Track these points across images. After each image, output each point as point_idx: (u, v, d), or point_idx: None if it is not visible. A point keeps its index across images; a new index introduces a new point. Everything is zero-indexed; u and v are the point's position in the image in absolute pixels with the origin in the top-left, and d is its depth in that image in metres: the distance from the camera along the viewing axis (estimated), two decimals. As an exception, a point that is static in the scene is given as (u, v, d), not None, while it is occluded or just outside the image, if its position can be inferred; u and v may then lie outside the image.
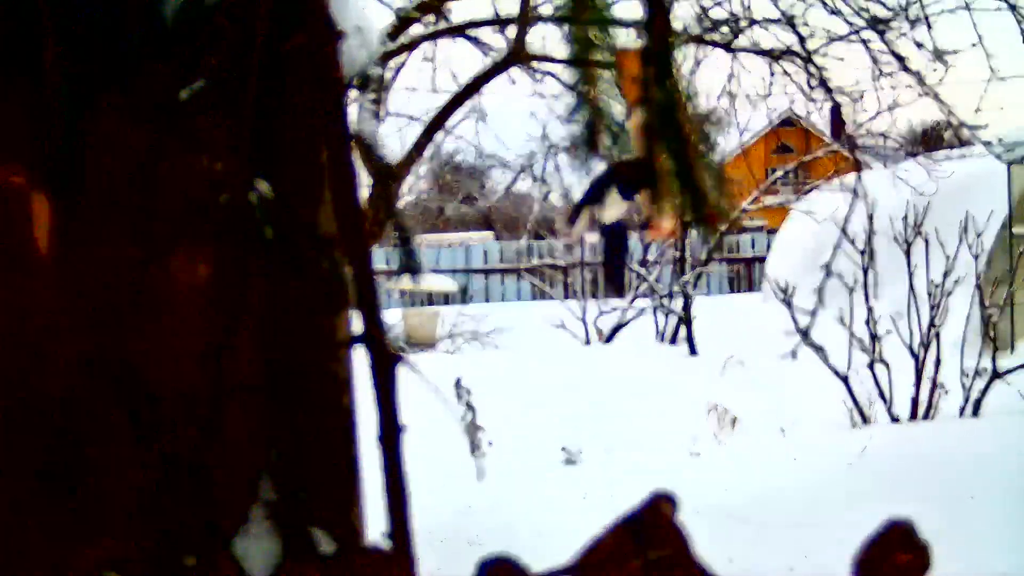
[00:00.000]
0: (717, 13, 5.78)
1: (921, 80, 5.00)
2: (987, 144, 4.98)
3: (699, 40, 5.93)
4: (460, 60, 5.86)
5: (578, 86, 1.05)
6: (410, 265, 1.41)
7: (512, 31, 4.98)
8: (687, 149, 1.05)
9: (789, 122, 18.51)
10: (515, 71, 5.58)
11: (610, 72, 1.04)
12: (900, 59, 5.20)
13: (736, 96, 7.59)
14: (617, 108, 1.08)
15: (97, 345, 1.24)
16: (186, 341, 1.26)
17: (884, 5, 5.31)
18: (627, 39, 1.11)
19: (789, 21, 5.18)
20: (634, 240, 15.29)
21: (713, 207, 1.08)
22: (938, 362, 6.65)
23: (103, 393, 1.24)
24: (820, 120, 11.80)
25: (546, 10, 5.52)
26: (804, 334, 4.09)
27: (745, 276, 23.60)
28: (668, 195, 1.06)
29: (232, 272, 1.24)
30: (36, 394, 1.24)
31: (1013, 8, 4.30)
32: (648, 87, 1.04)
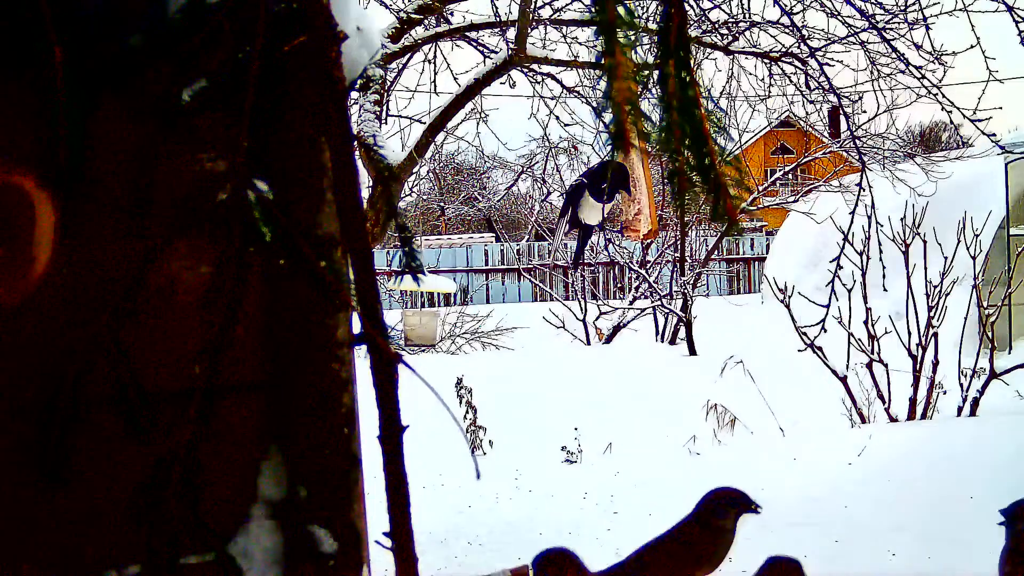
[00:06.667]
0: (716, 15, 5.80)
1: (923, 77, 5.00)
2: (991, 136, 4.95)
3: (698, 42, 5.94)
4: (461, 62, 5.88)
5: (605, 82, 1.05)
6: (411, 266, 1.42)
7: (512, 33, 4.99)
8: (708, 145, 1.06)
9: (788, 123, 18.52)
10: (515, 73, 5.59)
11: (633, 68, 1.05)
12: (901, 59, 5.21)
13: (735, 97, 7.61)
14: (644, 105, 1.09)
15: (95, 343, 1.25)
16: (184, 339, 1.27)
17: (883, 7, 5.32)
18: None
19: (788, 23, 5.19)
20: (633, 241, 15.28)
21: (735, 202, 1.09)
22: (936, 362, 6.66)
23: (100, 391, 1.25)
24: (819, 121, 11.81)
25: (546, 12, 5.53)
26: (819, 328, 4.10)
27: (745, 276, 23.62)
28: (687, 191, 1.07)
29: (230, 271, 1.24)
30: (34, 392, 1.25)
31: (1011, 9, 4.30)
32: (667, 84, 1.05)
